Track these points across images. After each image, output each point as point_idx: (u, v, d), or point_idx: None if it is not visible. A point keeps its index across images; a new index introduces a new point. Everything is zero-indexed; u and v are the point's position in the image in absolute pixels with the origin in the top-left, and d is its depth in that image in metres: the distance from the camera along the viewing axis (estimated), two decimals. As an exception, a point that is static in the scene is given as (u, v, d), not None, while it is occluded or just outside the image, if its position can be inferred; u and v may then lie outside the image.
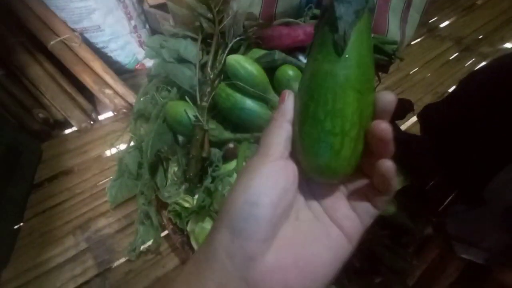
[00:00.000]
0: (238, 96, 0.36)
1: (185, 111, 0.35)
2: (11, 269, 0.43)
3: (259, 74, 0.35)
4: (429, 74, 0.75)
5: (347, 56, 0.15)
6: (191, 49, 0.40)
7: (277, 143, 0.16)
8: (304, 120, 0.16)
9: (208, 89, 0.36)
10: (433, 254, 0.39)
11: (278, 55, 0.38)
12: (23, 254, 0.44)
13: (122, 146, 0.53)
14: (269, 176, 0.16)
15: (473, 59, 0.79)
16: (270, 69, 0.39)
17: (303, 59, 0.40)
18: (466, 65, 0.78)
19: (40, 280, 0.42)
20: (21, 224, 0.48)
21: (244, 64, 0.35)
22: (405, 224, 0.38)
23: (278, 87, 0.39)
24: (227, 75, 0.37)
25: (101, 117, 0.65)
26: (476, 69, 0.51)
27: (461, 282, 0.40)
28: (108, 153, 0.57)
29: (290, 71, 0.38)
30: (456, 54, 0.80)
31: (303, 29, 0.37)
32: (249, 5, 0.68)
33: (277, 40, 0.38)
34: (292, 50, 0.40)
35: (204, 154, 0.34)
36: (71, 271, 0.42)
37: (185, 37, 0.43)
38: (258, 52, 0.40)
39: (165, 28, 0.46)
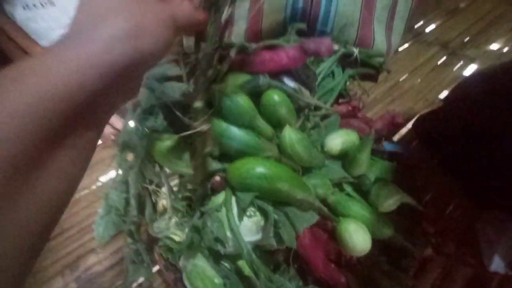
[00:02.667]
0: (224, 125, 0.35)
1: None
2: (-3, 318, 0.40)
3: (246, 103, 0.34)
4: (418, 80, 0.75)
5: None
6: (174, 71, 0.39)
7: None
8: None
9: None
10: (435, 275, 0.38)
11: (263, 80, 0.37)
12: (10, 299, 0.42)
13: (111, 174, 0.52)
14: None
15: (461, 63, 0.79)
16: (255, 94, 0.38)
17: (288, 82, 0.39)
18: (455, 69, 0.78)
19: (27, 327, 0.40)
20: (7, 266, 0.46)
21: (230, 94, 0.34)
22: (404, 246, 0.37)
23: (265, 113, 0.38)
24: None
25: (89, 145, 0.64)
26: (470, 75, 0.51)
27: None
28: (97, 184, 0.56)
29: (275, 96, 0.37)
30: (444, 58, 0.81)
31: (286, 53, 0.36)
32: (236, 21, 0.68)
33: (260, 65, 0.37)
34: (277, 73, 0.39)
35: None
36: (60, 315, 0.40)
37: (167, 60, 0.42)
38: (242, 77, 0.39)
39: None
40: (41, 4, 0.50)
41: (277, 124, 0.37)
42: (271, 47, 0.40)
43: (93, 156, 0.62)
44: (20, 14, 0.52)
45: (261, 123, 0.36)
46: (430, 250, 0.36)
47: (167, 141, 0.35)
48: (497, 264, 0.38)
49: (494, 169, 0.42)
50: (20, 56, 0.58)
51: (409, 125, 0.61)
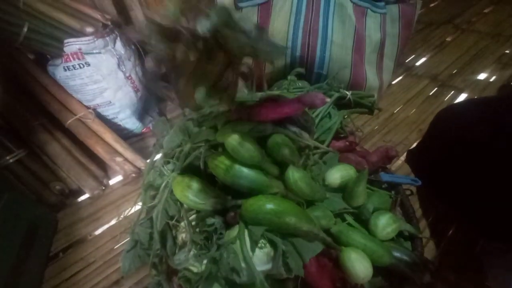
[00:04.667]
0: (236, 167, 0.41)
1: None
2: None
3: (256, 149, 0.40)
4: (412, 111, 0.81)
5: None
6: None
7: None
8: None
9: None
10: (437, 300, 0.40)
11: (269, 126, 0.43)
12: (41, 332, 0.46)
13: (132, 210, 0.57)
14: None
15: (451, 93, 0.85)
16: (261, 138, 0.44)
17: (290, 127, 0.45)
18: (445, 99, 0.84)
19: None
20: (39, 300, 0.50)
21: (244, 143, 0.39)
22: (404, 272, 0.40)
23: (271, 154, 0.44)
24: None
25: (111, 182, 0.70)
26: (445, 109, 0.56)
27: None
28: (119, 219, 0.61)
29: (279, 139, 0.43)
30: (434, 90, 0.87)
31: (287, 104, 0.43)
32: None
33: (263, 115, 0.44)
34: (279, 120, 0.45)
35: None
36: None
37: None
38: (248, 125, 0.45)
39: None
40: (79, 66, 0.60)
41: (282, 164, 0.43)
42: (274, 99, 0.47)
43: (115, 192, 0.69)
44: (61, 74, 0.61)
45: (268, 164, 0.42)
46: (428, 276, 0.39)
47: (188, 182, 0.40)
48: None
49: (491, 198, 0.43)
50: (57, 107, 0.66)
51: (405, 155, 0.65)
